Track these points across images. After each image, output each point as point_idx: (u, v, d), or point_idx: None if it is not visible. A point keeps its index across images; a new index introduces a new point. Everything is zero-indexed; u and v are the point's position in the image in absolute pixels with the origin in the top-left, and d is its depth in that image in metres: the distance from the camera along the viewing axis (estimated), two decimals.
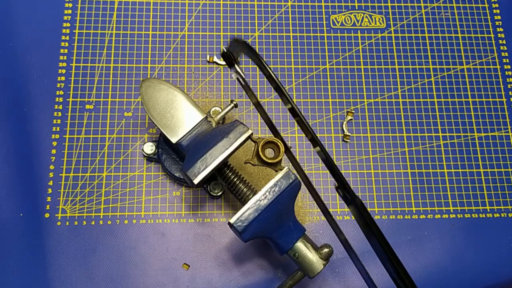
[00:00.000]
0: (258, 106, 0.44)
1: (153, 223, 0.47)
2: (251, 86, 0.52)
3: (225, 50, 0.40)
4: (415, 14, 0.57)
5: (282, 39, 0.54)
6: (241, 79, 0.42)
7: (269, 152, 0.42)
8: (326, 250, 0.40)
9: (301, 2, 0.56)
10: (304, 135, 0.51)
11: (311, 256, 0.40)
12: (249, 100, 0.52)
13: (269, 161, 0.41)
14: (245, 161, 0.42)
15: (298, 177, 0.40)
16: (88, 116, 0.50)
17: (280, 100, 0.52)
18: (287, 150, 0.42)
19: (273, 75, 0.34)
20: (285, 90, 0.34)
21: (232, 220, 0.38)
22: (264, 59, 0.53)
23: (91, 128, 0.49)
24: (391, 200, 0.49)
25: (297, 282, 0.41)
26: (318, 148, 0.34)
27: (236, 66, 0.41)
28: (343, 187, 0.32)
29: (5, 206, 0.46)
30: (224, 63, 0.53)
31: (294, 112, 0.34)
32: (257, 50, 0.54)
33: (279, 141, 0.41)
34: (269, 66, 0.36)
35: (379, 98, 0.53)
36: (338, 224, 0.39)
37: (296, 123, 0.37)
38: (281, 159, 0.41)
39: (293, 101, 0.34)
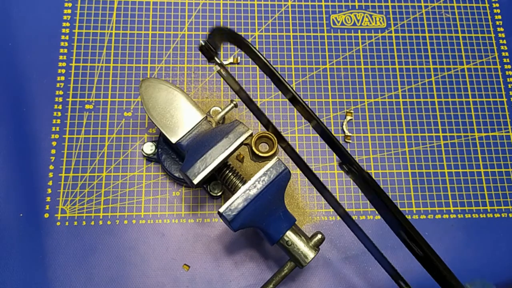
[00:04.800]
0: (241, 93, 0.43)
1: (153, 223, 0.47)
2: (251, 86, 0.52)
3: (203, 44, 0.39)
4: (415, 14, 0.57)
5: (282, 39, 0.54)
6: (223, 71, 0.41)
7: (263, 147, 0.42)
8: (318, 237, 0.40)
9: (301, 1, 0.56)
10: (308, 134, 0.50)
11: (302, 244, 0.40)
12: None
13: (264, 155, 0.41)
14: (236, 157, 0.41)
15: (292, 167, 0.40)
16: (87, 116, 0.50)
17: (280, 100, 0.52)
18: (284, 141, 0.42)
19: (265, 60, 0.35)
20: (282, 77, 0.34)
21: (221, 209, 0.38)
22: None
23: (90, 128, 0.49)
24: None
25: (289, 273, 0.41)
26: (314, 122, 0.34)
27: (216, 58, 0.40)
28: (348, 162, 0.33)
29: (5, 206, 0.46)
30: (225, 62, 0.52)
31: (294, 100, 0.34)
32: None
33: (272, 134, 0.41)
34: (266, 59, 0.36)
35: (379, 98, 0.53)
36: (335, 198, 0.40)
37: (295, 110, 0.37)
38: (275, 152, 0.41)
39: (291, 87, 0.34)
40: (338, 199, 0.49)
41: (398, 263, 0.38)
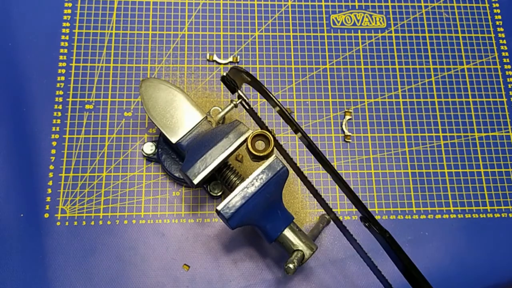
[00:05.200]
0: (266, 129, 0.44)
1: (153, 223, 0.47)
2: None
3: (225, 75, 0.41)
4: (415, 14, 0.57)
5: (282, 39, 0.54)
6: (245, 104, 0.42)
7: (260, 145, 0.42)
8: (314, 231, 0.42)
9: (301, 1, 0.56)
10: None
11: (301, 243, 0.40)
12: (250, 100, 0.52)
13: (261, 154, 0.40)
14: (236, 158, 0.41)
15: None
16: (87, 116, 0.50)
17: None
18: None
19: (278, 103, 0.37)
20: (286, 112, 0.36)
21: (219, 207, 0.38)
22: (264, 59, 0.53)
23: (90, 128, 0.49)
24: (391, 200, 0.49)
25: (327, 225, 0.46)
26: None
27: (238, 91, 0.41)
28: (370, 221, 0.33)
29: (5, 206, 0.46)
30: (224, 61, 0.53)
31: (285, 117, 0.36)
32: (257, 50, 0.54)
33: (267, 133, 0.41)
34: (265, 87, 0.37)
35: (379, 98, 0.53)
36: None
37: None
38: (272, 150, 0.41)
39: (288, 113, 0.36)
40: (337, 201, 0.49)
41: (391, 266, 0.37)
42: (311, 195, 0.48)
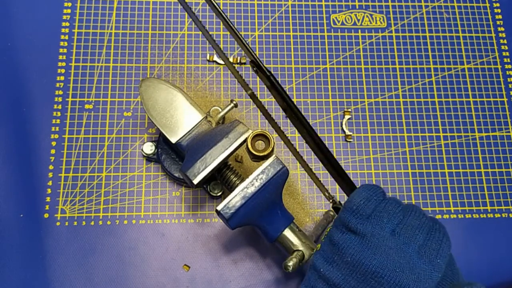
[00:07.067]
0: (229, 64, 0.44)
1: (153, 223, 0.47)
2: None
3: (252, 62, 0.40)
4: (415, 14, 0.57)
5: (282, 38, 0.54)
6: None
7: (260, 145, 0.42)
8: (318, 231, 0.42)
9: (301, 1, 0.56)
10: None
11: (300, 243, 0.40)
12: (249, 100, 0.52)
13: (261, 154, 0.40)
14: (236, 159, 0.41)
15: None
16: (87, 116, 0.50)
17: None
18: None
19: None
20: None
21: (219, 207, 0.38)
22: (264, 59, 0.53)
23: (90, 128, 0.49)
24: None
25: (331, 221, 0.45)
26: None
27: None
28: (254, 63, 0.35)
29: (5, 206, 0.46)
30: (223, 62, 0.52)
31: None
32: (257, 50, 0.54)
33: (267, 132, 0.41)
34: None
35: (380, 98, 0.53)
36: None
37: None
38: (272, 150, 0.41)
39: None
40: (337, 193, 0.49)
41: None
42: (311, 195, 0.49)
